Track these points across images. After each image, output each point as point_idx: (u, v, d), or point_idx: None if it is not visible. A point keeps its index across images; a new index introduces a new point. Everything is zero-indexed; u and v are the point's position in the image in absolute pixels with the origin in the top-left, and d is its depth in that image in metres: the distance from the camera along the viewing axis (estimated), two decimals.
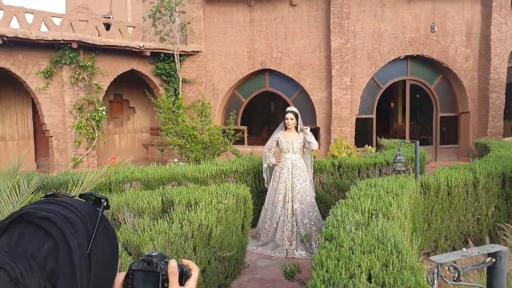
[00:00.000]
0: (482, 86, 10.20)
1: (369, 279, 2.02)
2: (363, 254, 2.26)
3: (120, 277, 0.77)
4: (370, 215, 3.07)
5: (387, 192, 3.71)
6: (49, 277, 0.56)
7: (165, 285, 0.75)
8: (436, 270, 0.90)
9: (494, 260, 0.98)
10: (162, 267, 0.76)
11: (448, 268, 0.95)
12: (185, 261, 0.81)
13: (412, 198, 4.01)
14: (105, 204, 0.68)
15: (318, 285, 1.92)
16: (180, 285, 0.77)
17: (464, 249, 1.04)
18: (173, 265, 0.76)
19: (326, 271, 2.07)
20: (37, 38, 7.89)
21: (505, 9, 9.95)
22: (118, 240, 0.69)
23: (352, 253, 2.27)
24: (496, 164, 5.14)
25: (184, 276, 0.79)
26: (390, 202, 3.40)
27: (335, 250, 2.33)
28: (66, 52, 8.36)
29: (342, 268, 2.08)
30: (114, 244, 0.68)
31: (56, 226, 0.59)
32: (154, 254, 0.78)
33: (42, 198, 0.66)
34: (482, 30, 10.09)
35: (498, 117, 10.26)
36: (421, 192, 4.58)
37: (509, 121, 11.83)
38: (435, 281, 0.90)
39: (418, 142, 4.52)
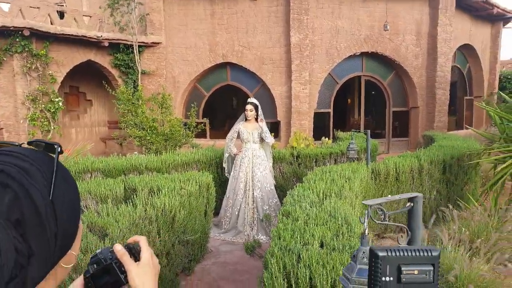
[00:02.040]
0: (430, 83, 10.92)
1: (322, 246, 2.24)
2: (317, 226, 2.48)
3: (78, 283, 0.80)
4: (324, 196, 3.31)
5: (340, 177, 3.99)
6: (16, 227, 0.55)
7: (122, 269, 0.78)
8: (367, 212, 1.09)
9: (412, 204, 1.20)
10: (111, 257, 0.78)
11: (376, 210, 1.15)
12: (130, 240, 0.83)
13: (363, 182, 4.32)
14: (59, 150, 0.66)
15: (276, 252, 2.11)
16: (136, 261, 0.79)
17: (390, 196, 1.26)
18: (118, 248, 0.78)
19: (283, 240, 2.26)
20: None
21: (450, 11, 10.70)
22: (76, 184, 0.70)
23: (307, 226, 2.49)
24: (438, 153, 5.61)
25: (134, 251, 0.80)
26: (342, 185, 3.67)
27: (291, 224, 2.53)
28: (17, 40, 8.00)
29: (297, 237, 2.28)
30: (74, 188, 0.68)
31: (13, 177, 0.57)
32: (97, 252, 0.80)
33: None
34: (430, 30, 10.79)
35: (443, 112, 11.04)
36: (372, 177, 4.92)
37: (453, 116, 12.76)
38: (366, 220, 1.10)
39: (369, 131, 4.85)
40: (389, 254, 0.86)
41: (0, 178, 0.57)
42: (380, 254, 0.86)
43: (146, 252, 0.80)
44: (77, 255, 0.70)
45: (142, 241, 0.82)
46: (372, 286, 0.87)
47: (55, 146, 0.66)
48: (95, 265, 0.79)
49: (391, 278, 0.86)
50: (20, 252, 0.55)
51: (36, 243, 0.57)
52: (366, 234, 1.16)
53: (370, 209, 1.16)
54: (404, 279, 0.86)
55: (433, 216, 4.05)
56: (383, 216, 1.20)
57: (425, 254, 0.86)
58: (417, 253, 0.86)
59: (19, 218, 0.56)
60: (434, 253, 0.86)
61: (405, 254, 0.86)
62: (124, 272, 0.78)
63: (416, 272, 0.85)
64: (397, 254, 0.86)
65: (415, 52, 10.78)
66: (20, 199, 0.56)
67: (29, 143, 0.67)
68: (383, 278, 0.86)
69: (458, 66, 12.53)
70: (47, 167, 0.62)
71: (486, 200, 5.29)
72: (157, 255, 3.15)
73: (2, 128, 8.36)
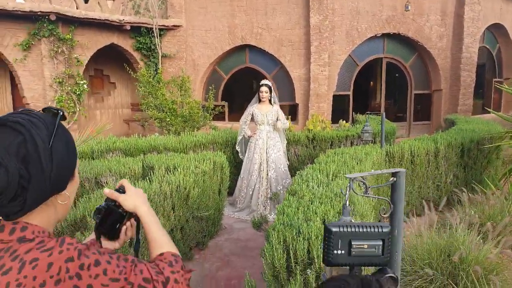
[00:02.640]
0: (454, 65, 10.60)
1: (324, 222, 2.34)
2: (321, 204, 2.57)
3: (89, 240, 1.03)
4: (333, 177, 3.39)
5: (352, 159, 4.04)
6: (22, 161, 0.78)
7: (116, 204, 1.00)
8: (349, 184, 1.18)
9: (395, 178, 1.27)
10: (106, 202, 1.01)
11: (358, 183, 1.24)
12: (117, 187, 1.05)
13: (375, 164, 4.35)
14: (61, 114, 0.88)
15: (278, 227, 2.22)
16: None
17: (375, 167, 1.34)
18: (107, 191, 1.01)
19: (286, 216, 2.37)
20: (14, 9, 7.80)
21: None
22: (74, 144, 0.91)
23: (311, 204, 2.58)
24: (456, 136, 5.54)
25: (121, 191, 1.02)
26: (353, 167, 3.72)
27: (296, 202, 2.63)
28: (44, 25, 8.29)
29: (300, 214, 2.39)
30: (70, 142, 0.89)
31: (24, 126, 0.79)
32: (96, 207, 1.01)
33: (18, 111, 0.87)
34: (456, 9, 10.40)
35: (468, 95, 10.73)
36: (386, 160, 4.93)
37: (480, 100, 12.36)
38: (347, 193, 1.18)
39: (384, 113, 4.84)
40: (341, 229, 0.95)
41: (16, 126, 0.80)
42: (333, 229, 0.95)
43: (128, 185, 1.04)
44: (71, 197, 0.92)
45: (124, 181, 1.04)
46: (325, 258, 0.97)
47: (58, 112, 0.89)
48: (98, 215, 1.00)
49: (343, 252, 0.95)
50: (23, 177, 0.78)
51: (35, 173, 0.79)
52: (347, 205, 1.25)
53: (352, 182, 1.25)
54: (354, 253, 0.95)
55: (444, 199, 4.05)
56: (365, 189, 1.28)
57: (376, 230, 0.95)
58: (368, 229, 0.95)
59: (25, 155, 0.78)
60: (385, 229, 0.95)
61: (356, 230, 0.95)
62: (120, 207, 1.00)
63: (365, 246, 0.95)
64: (349, 229, 0.95)
65: (439, 32, 10.45)
66: (27, 141, 0.79)
67: (43, 109, 0.90)
68: (335, 251, 0.95)
69: (487, 46, 12.05)
70: (51, 124, 0.85)
71: (506, 185, 5.22)
72: (171, 230, 3.34)
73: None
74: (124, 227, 1.05)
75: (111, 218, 1.01)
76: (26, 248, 0.78)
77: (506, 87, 5.66)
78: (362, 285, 0.80)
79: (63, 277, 0.77)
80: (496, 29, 12.08)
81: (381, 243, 0.96)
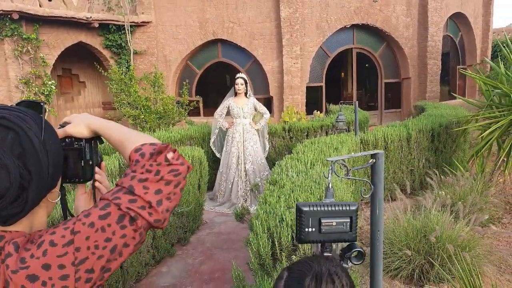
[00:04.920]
0: (421, 54, 10.94)
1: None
2: (302, 192, 2.62)
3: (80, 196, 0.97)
4: (311, 166, 3.45)
5: (328, 147, 4.12)
6: (19, 158, 0.72)
7: (68, 140, 0.89)
8: (331, 167, 1.22)
9: (374, 160, 1.33)
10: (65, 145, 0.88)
11: (340, 166, 1.28)
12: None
13: (351, 152, 4.46)
14: (44, 106, 0.84)
15: (262, 215, 2.26)
16: None
17: (353, 153, 1.39)
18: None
19: (269, 205, 2.41)
20: None
21: None
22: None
23: (292, 192, 2.63)
24: (426, 121, 5.74)
25: (63, 125, 0.91)
26: (330, 154, 3.81)
27: (277, 191, 2.68)
28: (7, 24, 7.95)
29: (282, 202, 2.43)
30: (56, 135, 0.83)
31: (13, 122, 0.73)
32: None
33: None
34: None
35: (435, 82, 11.10)
36: (361, 147, 5.06)
37: (446, 86, 12.82)
38: (330, 176, 1.23)
39: (356, 102, 4.96)
40: (311, 208, 1.01)
41: (3, 122, 0.73)
42: (304, 209, 1.02)
43: (71, 116, 0.93)
44: (59, 192, 0.85)
45: (66, 117, 0.94)
46: (298, 236, 1.03)
47: (41, 104, 0.84)
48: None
49: (313, 229, 1.02)
50: (23, 176, 0.72)
51: (34, 171, 0.74)
52: (331, 187, 1.29)
53: (333, 165, 1.29)
54: (323, 230, 1.02)
55: (408, 182, 4.20)
56: (346, 172, 1.33)
57: (343, 208, 1.01)
58: (336, 207, 1.01)
59: (21, 151, 0.73)
60: (352, 207, 1.02)
61: (326, 208, 1.01)
62: (73, 141, 0.89)
63: (334, 223, 1.01)
64: (318, 208, 1.01)
65: (405, 22, 10.75)
66: (21, 137, 0.73)
67: (17, 104, 0.83)
68: (306, 229, 1.02)
69: (451, 35, 12.50)
70: (37, 118, 0.79)
71: (473, 166, 5.46)
72: None
73: None
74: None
75: (71, 160, 0.88)
76: None
77: (470, 72, 5.91)
78: (315, 277, 0.86)
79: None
80: (458, 18, 12.54)
81: (349, 220, 1.03)
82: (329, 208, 1.04)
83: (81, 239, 0.70)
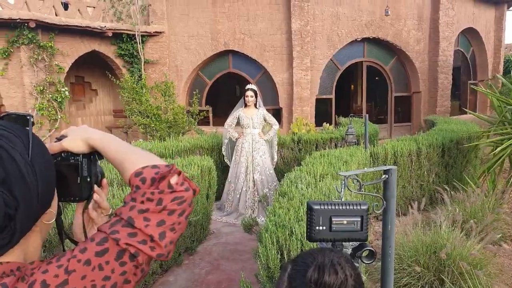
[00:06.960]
0: (432, 68, 10.91)
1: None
2: None
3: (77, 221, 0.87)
4: (321, 178, 3.44)
5: (337, 160, 4.11)
6: (2, 184, 0.62)
7: (65, 154, 0.80)
8: (344, 182, 1.22)
9: (387, 176, 1.32)
10: (60, 159, 0.81)
11: (352, 180, 1.28)
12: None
13: (361, 165, 4.44)
14: (32, 120, 0.74)
15: (271, 228, 2.25)
16: None
17: (364, 167, 1.39)
18: (52, 148, 0.81)
19: (278, 217, 2.41)
20: None
21: None
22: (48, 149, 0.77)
23: (301, 204, 2.63)
24: (437, 136, 5.70)
25: (60, 138, 0.83)
26: (339, 167, 3.80)
27: (287, 203, 2.67)
28: (24, 32, 8.14)
29: (292, 214, 2.42)
30: (46, 150, 0.74)
31: None
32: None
33: None
34: (431, 14, 10.73)
35: (445, 96, 11.05)
36: (370, 161, 5.04)
37: (457, 101, 12.74)
38: (342, 190, 1.23)
39: (367, 116, 4.95)
40: (322, 207, 1.01)
41: None
42: (315, 207, 1.02)
43: (69, 128, 0.86)
44: (54, 212, 0.77)
45: (64, 131, 0.86)
46: (308, 234, 1.03)
47: (28, 117, 0.74)
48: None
49: (324, 227, 1.02)
50: (9, 204, 0.63)
51: (21, 196, 0.64)
52: None
53: (346, 180, 1.29)
54: (334, 228, 1.01)
55: (424, 199, 4.16)
56: (359, 187, 1.33)
57: (354, 207, 1.01)
58: (347, 207, 1.01)
59: (4, 176, 0.63)
60: (363, 207, 1.01)
61: (336, 207, 1.01)
62: (70, 156, 0.81)
63: (345, 222, 1.01)
64: (329, 207, 1.01)
65: (416, 36, 10.75)
66: (4, 159, 0.63)
67: (1, 117, 0.74)
68: (317, 227, 1.01)
69: (462, 50, 12.46)
70: (23, 134, 0.70)
71: (484, 183, 5.39)
72: None
73: None
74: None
75: (67, 177, 0.80)
76: None
77: (482, 89, 5.87)
78: (318, 268, 0.84)
79: None
80: (469, 33, 12.52)
81: (359, 219, 1.03)
82: (340, 207, 1.04)
83: (76, 279, 0.62)
